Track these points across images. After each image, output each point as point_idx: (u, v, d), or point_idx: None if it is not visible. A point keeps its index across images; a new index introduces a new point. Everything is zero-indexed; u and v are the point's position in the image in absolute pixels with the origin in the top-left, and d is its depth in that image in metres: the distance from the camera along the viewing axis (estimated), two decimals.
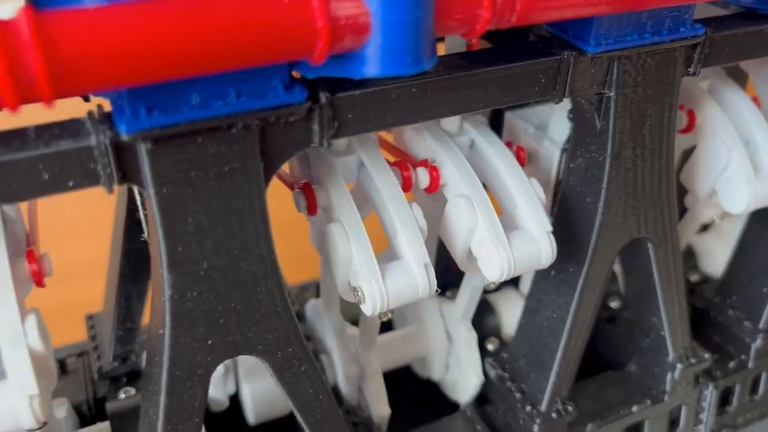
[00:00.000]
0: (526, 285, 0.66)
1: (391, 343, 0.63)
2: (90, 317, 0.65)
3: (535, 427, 0.55)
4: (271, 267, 0.41)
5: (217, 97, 0.35)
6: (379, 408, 0.59)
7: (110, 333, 0.59)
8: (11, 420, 0.38)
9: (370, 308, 0.44)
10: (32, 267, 0.41)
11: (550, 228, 0.48)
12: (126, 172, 0.36)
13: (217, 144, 0.36)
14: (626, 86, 0.47)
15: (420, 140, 0.51)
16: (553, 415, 0.55)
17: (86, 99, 0.45)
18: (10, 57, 0.27)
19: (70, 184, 0.35)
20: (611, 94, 0.47)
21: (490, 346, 0.63)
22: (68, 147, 0.34)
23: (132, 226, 0.53)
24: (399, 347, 0.63)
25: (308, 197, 0.46)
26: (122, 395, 0.57)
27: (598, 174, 0.50)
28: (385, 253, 0.46)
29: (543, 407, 0.55)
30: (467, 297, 0.59)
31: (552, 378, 0.55)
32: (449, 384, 0.63)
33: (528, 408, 0.55)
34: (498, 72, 0.43)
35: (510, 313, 0.65)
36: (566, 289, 0.53)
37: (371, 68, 0.34)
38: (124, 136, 0.34)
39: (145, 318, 0.60)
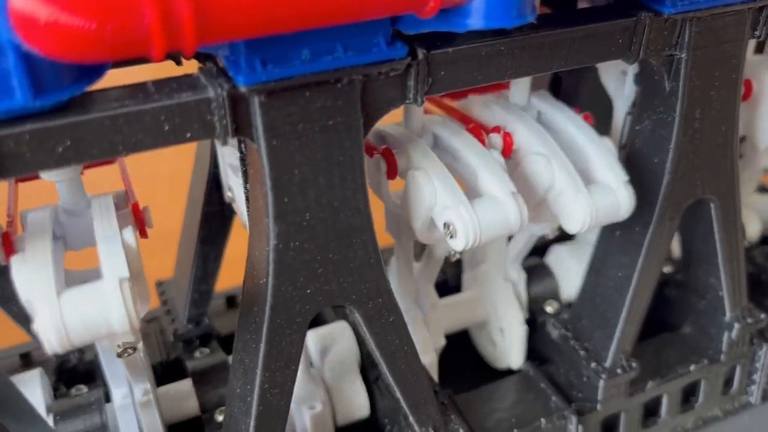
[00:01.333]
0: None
1: (455, 305, 0.64)
2: (160, 283, 0.67)
3: (601, 383, 0.56)
4: (366, 220, 0.42)
5: (326, 52, 0.37)
6: (437, 339, 0.60)
7: (185, 297, 0.61)
8: (104, 320, 0.37)
9: (462, 241, 0.45)
10: (137, 217, 0.43)
11: (626, 178, 0.50)
12: (238, 124, 0.38)
13: (324, 98, 0.38)
14: (697, 48, 0.48)
15: (489, 113, 0.52)
16: (618, 370, 0.57)
17: (178, 63, 0.47)
18: (163, 7, 0.29)
19: (188, 135, 0.37)
20: (682, 55, 0.48)
21: (549, 308, 0.64)
22: (188, 99, 0.36)
23: (212, 189, 0.55)
24: (463, 310, 0.65)
25: (389, 161, 0.48)
26: (198, 354, 0.59)
27: (666, 135, 0.51)
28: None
29: (608, 363, 0.57)
30: (522, 242, 0.61)
31: (617, 335, 0.56)
32: (500, 349, 0.65)
33: (593, 364, 0.57)
34: (579, 32, 0.44)
35: (567, 277, 0.66)
36: (632, 248, 0.55)
37: (476, 21, 0.36)
38: (242, 89, 0.36)
39: (220, 282, 0.62)
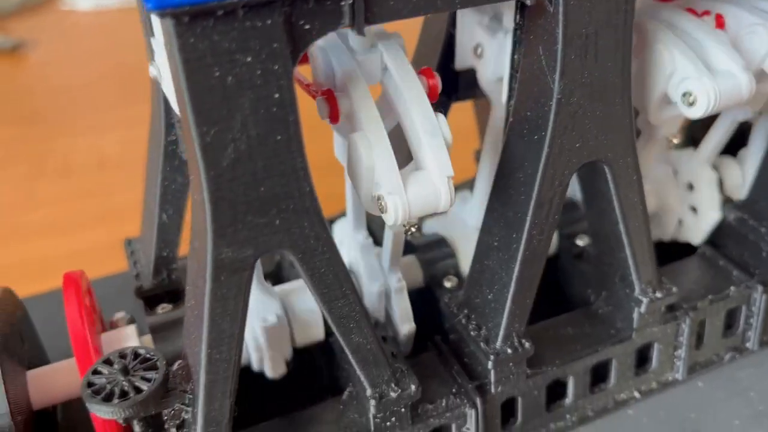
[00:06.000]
0: None
1: None
2: None
3: None
4: (627, 81, 0.48)
5: None
6: None
7: None
8: (432, 200, 0.44)
9: (702, 109, 0.50)
10: (431, 82, 0.48)
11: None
12: None
13: None
14: None
15: None
16: None
17: None
18: None
19: None
20: None
21: None
22: None
23: None
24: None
25: None
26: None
27: None
28: None
29: None
30: (716, 139, 0.66)
31: None
32: (686, 226, 0.70)
33: None
34: None
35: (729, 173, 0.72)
36: None
37: None
38: None
39: None
